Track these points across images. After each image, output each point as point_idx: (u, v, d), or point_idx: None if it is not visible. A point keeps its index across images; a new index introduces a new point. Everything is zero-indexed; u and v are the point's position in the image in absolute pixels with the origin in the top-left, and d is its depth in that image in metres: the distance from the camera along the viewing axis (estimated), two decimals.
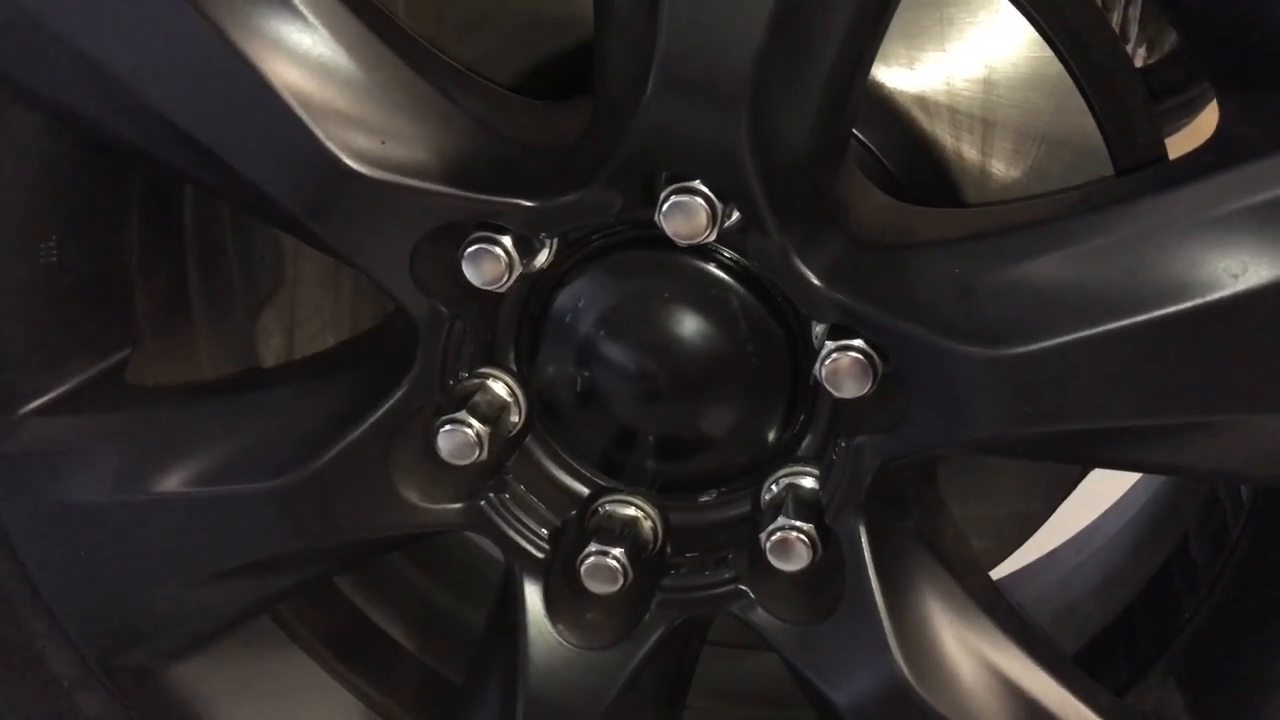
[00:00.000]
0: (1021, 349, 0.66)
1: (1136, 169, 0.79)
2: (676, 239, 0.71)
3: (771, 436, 0.81)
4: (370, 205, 0.72)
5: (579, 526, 0.84)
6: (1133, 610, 0.90)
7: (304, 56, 0.70)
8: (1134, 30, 1.25)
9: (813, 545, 0.77)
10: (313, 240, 0.76)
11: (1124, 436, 0.69)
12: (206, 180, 0.75)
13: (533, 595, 0.83)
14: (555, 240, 0.77)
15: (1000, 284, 0.68)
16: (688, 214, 0.70)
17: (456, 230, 0.74)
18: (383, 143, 0.71)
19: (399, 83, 0.72)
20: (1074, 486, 0.92)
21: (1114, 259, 0.65)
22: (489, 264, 0.74)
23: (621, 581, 0.80)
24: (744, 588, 0.81)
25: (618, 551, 0.81)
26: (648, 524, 0.85)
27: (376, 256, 0.74)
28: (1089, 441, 0.70)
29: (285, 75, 0.69)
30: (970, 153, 0.81)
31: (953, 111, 0.81)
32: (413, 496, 0.81)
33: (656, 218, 0.71)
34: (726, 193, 0.70)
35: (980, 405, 0.68)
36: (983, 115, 0.81)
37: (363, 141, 0.71)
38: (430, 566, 1.09)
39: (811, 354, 0.74)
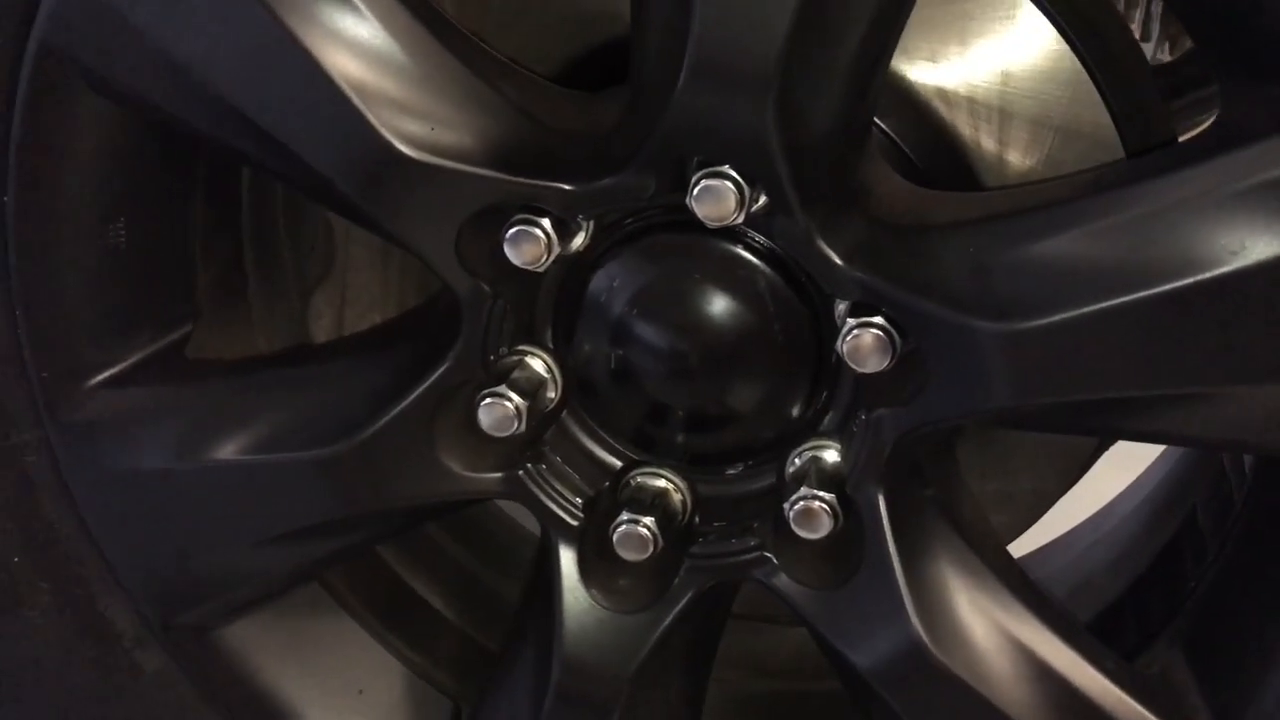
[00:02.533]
0: (1033, 323, 0.69)
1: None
2: (706, 221, 0.74)
3: (796, 412, 0.82)
4: (419, 188, 0.75)
5: (611, 497, 0.86)
6: (1143, 580, 0.93)
7: (358, 46, 0.73)
8: (1156, 28, 1.26)
9: (834, 514, 0.79)
10: (364, 221, 0.79)
11: (1130, 407, 0.71)
12: (267, 164, 0.79)
13: (568, 561, 0.85)
14: (591, 223, 0.79)
15: (1014, 262, 0.70)
16: (717, 197, 0.72)
17: (499, 212, 0.77)
18: (431, 129, 0.74)
19: (446, 72, 0.75)
20: (1088, 466, 0.94)
21: (1121, 238, 0.67)
22: (529, 245, 0.77)
23: (652, 549, 0.82)
24: (769, 555, 0.83)
25: (648, 520, 0.83)
26: (677, 495, 0.87)
27: (424, 237, 0.77)
28: (1096, 412, 0.72)
29: (341, 64, 0.73)
30: (988, 142, 0.83)
31: (971, 102, 0.83)
32: (455, 466, 0.84)
33: (687, 201, 0.73)
34: (754, 177, 0.72)
35: (994, 378, 0.71)
36: (1000, 106, 0.83)
37: (412, 127, 0.74)
38: (469, 541, 1.12)
39: (834, 331, 0.76)
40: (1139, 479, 1.08)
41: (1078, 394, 0.70)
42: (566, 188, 0.75)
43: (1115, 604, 0.93)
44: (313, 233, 1.00)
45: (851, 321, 0.75)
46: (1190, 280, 0.67)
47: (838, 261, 0.74)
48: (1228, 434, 0.72)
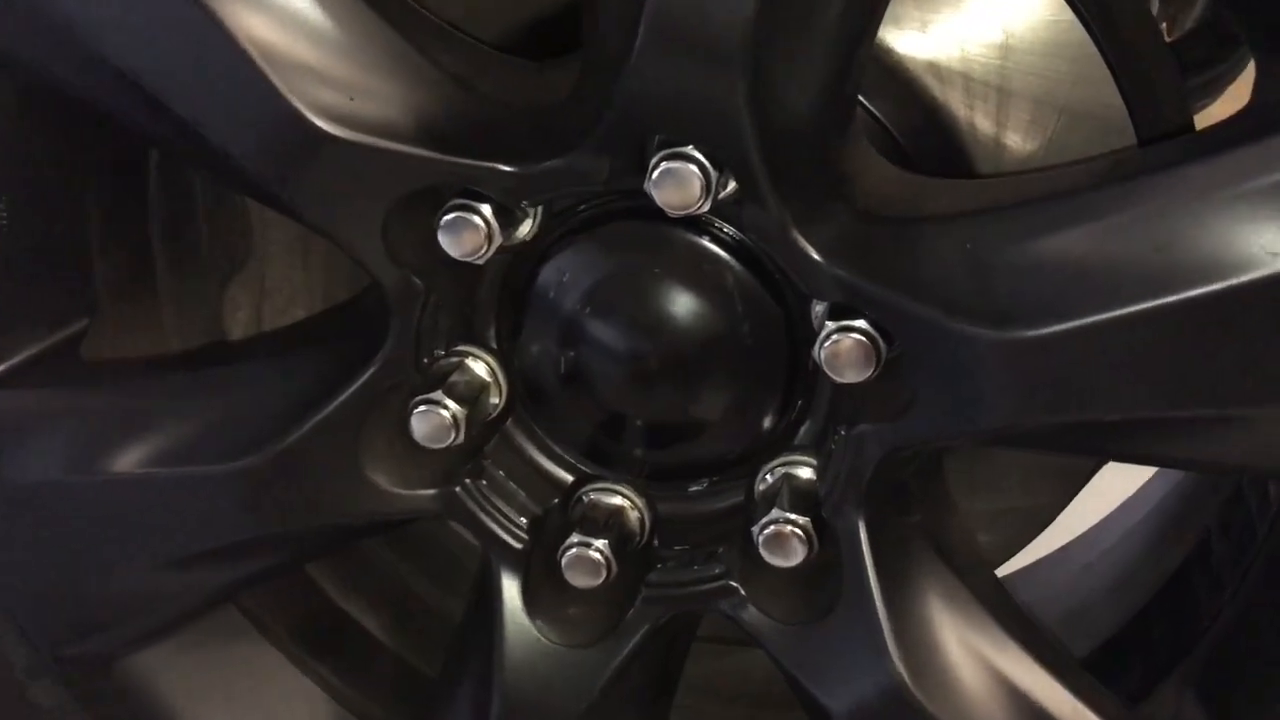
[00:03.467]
0: (1039, 332, 0.62)
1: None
2: (668, 209, 0.67)
3: (767, 423, 0.77)
4: (337, 168, 0.68)
5: (561, 516, 0.81)
6: (1149, 611, 0.86)
7: (266, 4, 0.66)
8: (1155, 5, 1.21)
9: (808, 540, 0.74)
10: (279, 205, 0.72)
11: (1148, 429, 0.64)
12: (163, 139, 0.71)
13: (510, 588, 0.79)
14: (540, 209, 0.73)
15: (1017, 260, 0.63)
16: (679, 182, 0.66)
17: (433, 197, 0.71)
18: (351, 99, 0.66)
19: (370, 36, 0.68)
20: (1085, 482, 0.88)
21: (1142, 234, 0.61)
22: (467, 234, 0.70)
23: (605, 575, 0.77)
24: (734, 584, 0.77)
25: (601, 543, 0.77)
26: (634, 514, 0.81)
27: (345, 224, 0.70)
28: (1109, 434, 0.65)
29: (245, 23, 0.65)
30: (984, 123, 0.77)
31: (967, 79, 0.77)
32: (383, 482, 0.78)
33: (646, 186, 0.67)
34: (721, 159, 0.66)
35: (993, 393, 0.65)
36: (999, 83, 0.77)
37: (329, 98, 0.67)
38: (410, 553, 1.05)
39: (811, 335, 0.70)
40: (1141, 490, 1.00)
41: (1089, 413, 0.63)
42: (508, 169, 0.69)
43: (1116, 638, 0.86)
44: (234, 213, 0.91)
45: (830, 325, 0.69)
46: (1223, 285, 0.59)
47: (815, 257, 0.68)
48: (1262, 461, 0.64)
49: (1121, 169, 0.63)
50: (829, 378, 0.69)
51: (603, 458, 0.80)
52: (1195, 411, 0.61)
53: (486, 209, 0.70)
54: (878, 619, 0.72)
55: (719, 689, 1.02)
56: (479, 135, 0.69)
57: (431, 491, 0.78)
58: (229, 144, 0.67)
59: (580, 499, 0.81)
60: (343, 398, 0.75)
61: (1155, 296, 0.60)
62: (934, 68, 0.77)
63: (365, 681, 0.96)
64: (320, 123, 0.66)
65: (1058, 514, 0.89)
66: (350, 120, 0.67)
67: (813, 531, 0.73)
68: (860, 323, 0.67)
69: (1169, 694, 0.78)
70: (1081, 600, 0.95)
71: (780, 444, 0.77)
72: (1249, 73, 1.00)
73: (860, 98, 0.76)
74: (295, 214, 0.71)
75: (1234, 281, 0.59)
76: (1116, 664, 0.84)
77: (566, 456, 0.81)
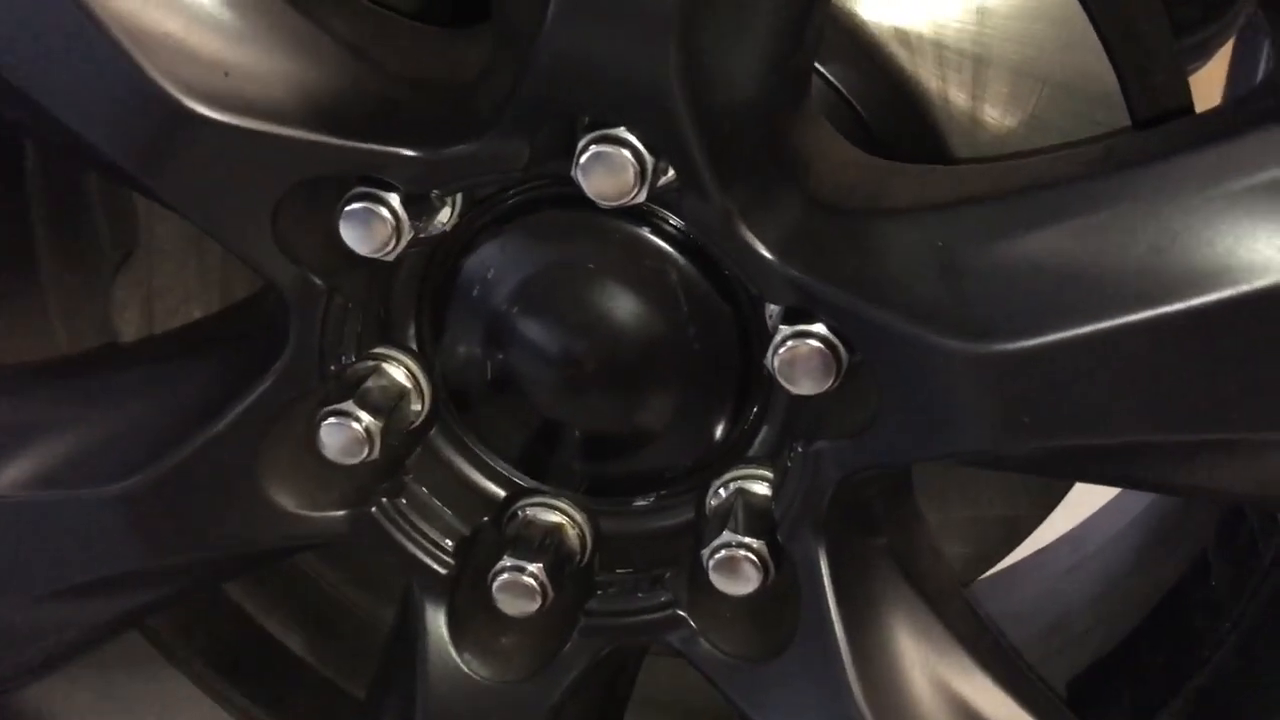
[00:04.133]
0: (1020, 344, 0.55)
1: (1159, 119, 0.67)
2: (599, 200, 0.60)
3: (718, 433, 0.70)
4: (214, 155, 0.60)
5: (492, 535, 0.74)
6: (1139, 637, 0.79)
7: None
8: None
9: (763, 566, 0.67)
10: (154, 199, 0.64)
11: (1143, 454, 0.57)
12: (20, 124, 0.62)
13: (434, 618, 0.72)
14: (459, 197, 0.66)
15: (996, 261, 0.56)
16: (610, 169, 0.59)
17: (331, 187, 0.63)
18: (226, 75, 0.58)
19: (250, 2, 0.59)
20: (1068, 490, 0.81)
21: (1140, 233, 0.53)
22: (372, 227, 0.63)
23: (540, 601, 0.70)
24: (682, 614, 0.70)
25: (536, 566, 0.70)
26: (574, 532, 0.74)
27: (228, 218, 0.63)
28: (1099, 459, 0.58)
29: None
30: (959, 96, 0.71)
31: (939, 46, 0.70)
32: (288, 503, 0.70)
33: (574, 174, 0.60)
34: (656, 143, 0.58)
35: (966, 412, 0.57)
36: (975, 51, 0.70)
37: (202, 75, 0.59)
38: (337, 560, 0.97)
39: (764, 337, 0.64)
40: (1125, 492, 0.93)
41: (1074, 438, 0.55)
42: (413, 155, 0.61)
43: (1103, 664, 0.79)
44: (127, 195, 0.82)
45: (785, 330, 0.62)
46: (1233, 292, 0.52)
47: (766, 254, 0.61)
48: (1272, 490, 0.57)
49: (1117, 155, 0.55)
50: (784, 389, 0.62)
51: (538, 470, 0.74)
52: (1200, 435, 0.54)
53: (394, 199, 0.63)
54: (839, 654, 0.66)
55: (683, 706, 0.96)
56: (380, 116, 0.62)
57: (342, 513, 0.71)
58: (86, 129, 0.59)
59: (514, 516, 0.74)
60: (236, 411, 0.67)
61: (1154, 305, 0.53)
62: (901, 33, 0.70)
63: (288, 710, 0.89)
64: (190, 103, 0.58)
65: (1039, 523, 0.82)
66: (226, 101, 0.59)
67: (768, 556, 0.67)
68: (817, 328, 0.60)
69: None
70: (1061, 611, 0.89)
71: (733, 455, 0.71)
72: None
73: (817, 67, 0.69)
74: (172, 208, 0.63)
75: (1247, 288, 0.51)
76: (1103, 692, 0.77)
77: (498, 469, 0.74)
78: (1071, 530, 0.98)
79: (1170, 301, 0.52)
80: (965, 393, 0.56)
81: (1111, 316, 0.53)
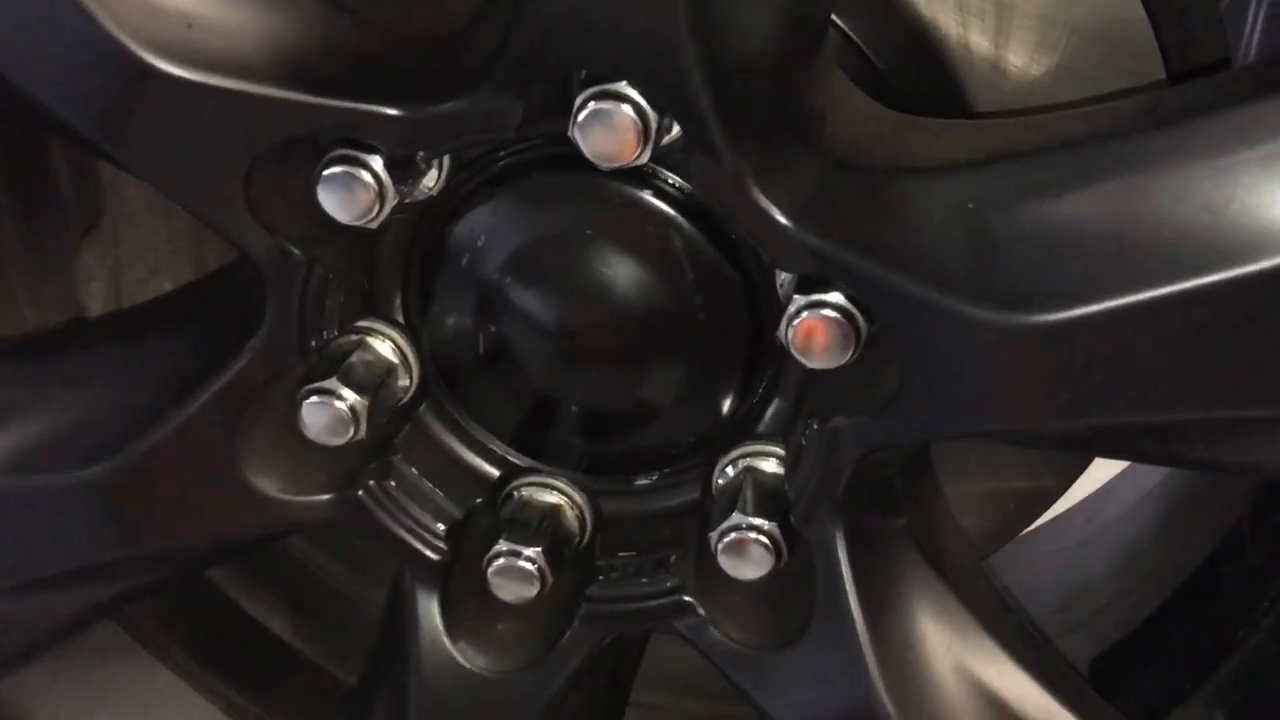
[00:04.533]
0: (1060, 315, 0.52)
1: (1196, 71, 0.63)
2: (598, 160, 0.57)
3: (725, 407, 0.68)
4: (178, 116, 0.56)
5: (487, 518, 0.71)
6: (1167, 614, 0.76)
7: None
8: None
9: (775, 548, 0.64)
10: (116, 164, 0.60)
11: (1190, 432, 0.54)
12: None
13: (427, 606, 0.70)
14: (446, 159, 0.63)
15: (1031, 224, 0.53)
16: (610, 127, 0.55)
17: (308, 149, 0.59)
18: (189, 27, 0.53)
19: None
20: (1091, 460, 0.78)
21: (1192, 193, 0.49)
22: (353, 192, 0.60)
23: (538, 587, 0.68)
24: (689, 599, 0.68)
25: (533, 550, 0.68)
26: (573, 513, 0.72)
27: (195, 185, 0.59)
28: (1141, 437, 0.55)
29: None
30: (980, 43, 0.67)
31: None
32: (269, 488, 0.67)
33: (571, 133, 0.56)
34: (661, 99, 0.55)
35: (999, 388, 0.54)
36: None
37: (164, 29, 0.55)
38: (324, 539, 0.94)
39: (776, 307, 0.61)
40: None
41: (1121, 415, 0.52)
42: (395, 114, 0.58)
43: (1127, 643, 0.76)
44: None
45: (799, 300, 0.59)
46: None
47: (779, 219, 0.57)
48: None
49: (1162, 109, 0.51)
50: (798, 361, 0.59)
51: (535, 448, 0.72)
52: (1257, 412, 0.50)
53: (376, 162, 0.59)
54: (858, 641, 0.63)
55: (687, 685, 0.93)
56: (360, 72, 0.58)
57: (327, 497, 0.68)
58: (38, 90, 0.55)
59: (509, 497, 0.72)
60: (211, 391, 0.64)
61: (1204, 273, 0.49)
62: None
63: (273, 698, 0.87)
64: (150, 59, 0.54)
65: (1061, 494, 0.79)
66: (189, 56, 0.55)
67: (780, 538, 0.64)
68: (834, 297, 0.57)
69: (1194, 716, 0.69)
70: (1080, 583, 0.86)
71: (741, 431, 0.68)
72: None
73: (834, 17, 0.66)
74: (134, 174, 0.58)
75: None
76: (1128, 674, 0.74)
77: (492, 447, 0.72)
78: (1088, 497, 0.95)
79: (1225, 268, 0.49)
80: (998, 367, 0.53)
81: (1160, 285, 0.50)
